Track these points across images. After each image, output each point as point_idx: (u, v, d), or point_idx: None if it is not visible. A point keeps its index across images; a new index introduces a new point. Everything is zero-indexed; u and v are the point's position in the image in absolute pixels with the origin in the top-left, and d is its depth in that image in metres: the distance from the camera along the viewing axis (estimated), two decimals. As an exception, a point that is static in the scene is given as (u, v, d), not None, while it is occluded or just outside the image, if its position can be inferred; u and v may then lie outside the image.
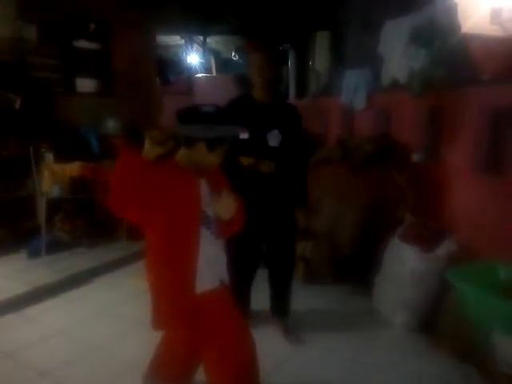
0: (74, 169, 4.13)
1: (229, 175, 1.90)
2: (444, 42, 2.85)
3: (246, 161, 2.44)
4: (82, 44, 5.08)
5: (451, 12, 2.83)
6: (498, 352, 2.20)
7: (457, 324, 2.57)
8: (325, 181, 3.45)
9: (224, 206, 1.70)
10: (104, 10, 5.10)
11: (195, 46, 8.17)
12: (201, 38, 7.81)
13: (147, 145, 1.53)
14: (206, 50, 8.05)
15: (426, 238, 2.78)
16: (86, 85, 5.19)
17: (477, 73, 3.06)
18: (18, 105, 4.25)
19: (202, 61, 8.46)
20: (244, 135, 2.37)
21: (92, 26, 5.11)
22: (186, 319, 1.71)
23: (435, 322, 2.73)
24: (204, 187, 1.76)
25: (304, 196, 2.64)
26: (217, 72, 8.67)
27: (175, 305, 1.69)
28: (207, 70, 8.51)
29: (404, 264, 2.83)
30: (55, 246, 4.12)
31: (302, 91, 5.96)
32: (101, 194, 4.16)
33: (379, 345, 2.74)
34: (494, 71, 3.21)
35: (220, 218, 1.74)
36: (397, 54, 3.34)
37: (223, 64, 8.96)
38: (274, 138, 2.46)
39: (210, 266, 1.74)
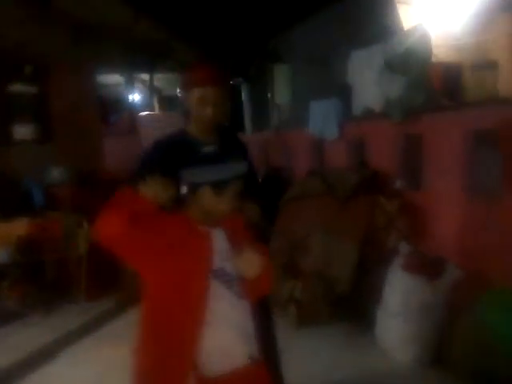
0: (20, 227, 3.73)
1: None
2: (421, 69, 2.88)
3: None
4: (18, 88, 4.65)
5: (424, 40, 2.89)
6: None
7: (473, 353, 2.48)
8: (311, 216, 3.30)
9: (246, 263, 1.46)
10: (41, 51, 4.74)
11: (136, 83, 7.93)
12: (143, 75, 7.59)
13: (153, 189, 1.45)
14: (148, 87, 7.83)
15: (431, 265, 2.71)
16: (23, 132, 4.76)
17: (440, 98, 3.15)
18: None
19: (143, 99, 8.24)
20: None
21: (28, 68, 4.70)
22: None
23: (447, 353, 2.63)
24: (222, 240, 1.52)
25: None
26: (159, 110, 8.48)
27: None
28: (149, 107, 8.26)
29: (410, 295, 2.71)
30: (4, 318, 3.57)
31: (259, 124, 5.88)
32: (50, 254, 3.69)
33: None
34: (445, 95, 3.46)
35: (243, 277, 1.49)
36: (368, 82, 3.34)
37: (167, 101, 8.80)
38: None
39: (235, 335, 1.47)
